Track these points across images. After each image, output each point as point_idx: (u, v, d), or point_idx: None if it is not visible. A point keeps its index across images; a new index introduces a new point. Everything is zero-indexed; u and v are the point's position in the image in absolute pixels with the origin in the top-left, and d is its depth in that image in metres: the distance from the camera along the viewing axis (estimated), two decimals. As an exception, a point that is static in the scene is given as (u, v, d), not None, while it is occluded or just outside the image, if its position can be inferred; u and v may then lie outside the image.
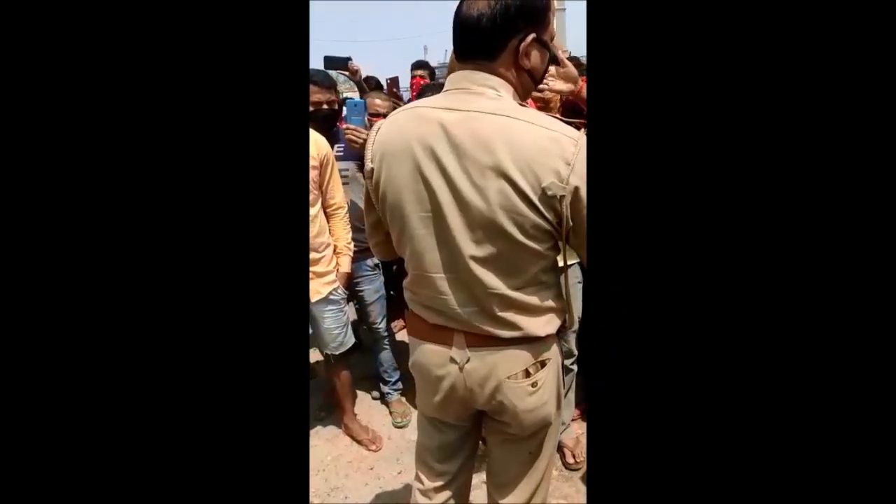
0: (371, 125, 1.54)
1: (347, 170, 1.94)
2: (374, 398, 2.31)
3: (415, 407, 1.71)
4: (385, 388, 2.21)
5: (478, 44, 0.82)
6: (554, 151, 0.78)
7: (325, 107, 1.83)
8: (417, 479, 1.12)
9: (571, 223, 0.82)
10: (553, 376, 0.96)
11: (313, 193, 1.71)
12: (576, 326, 1.71)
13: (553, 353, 0.95)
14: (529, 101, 1.18)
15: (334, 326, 1.84)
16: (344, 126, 1.72)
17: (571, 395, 1.85)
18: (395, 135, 0.87)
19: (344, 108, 1.76)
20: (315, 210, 1.73)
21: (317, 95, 1.80)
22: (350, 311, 2.05)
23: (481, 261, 0.84)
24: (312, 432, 2.10)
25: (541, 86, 1.06)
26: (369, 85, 3.05)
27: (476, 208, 0.81)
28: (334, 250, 1.83)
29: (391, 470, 1.88)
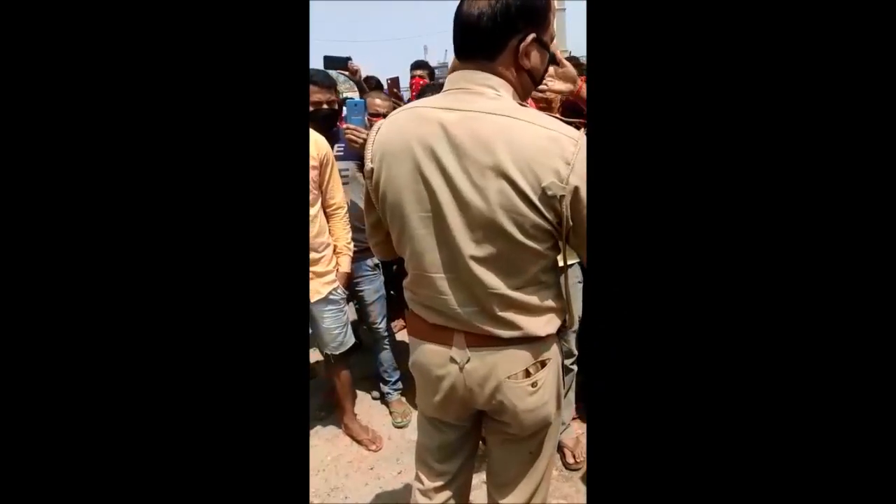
0: (371, 125, 1.54)
1: (347, 170, 1.94)
2: (374, 398, 2.31)
3: (415, 407, 1.71)
4: (385, 388, 2.21)
5: (478, 43, 0.82)
6: (554, 151, 0.78)
7: (325, 107, 1.83)
8: (417, 478, 1.12)
9: (571, 223, 0.82)
10: (553, 376, 0.96)
11: (313, 193, 1.71)
12: (576, 326, 1.71)
13: (553, 353, 0.95)
14: (530, 101, 1.18)
15: (334, 326, 1.84)
16: (344, 126, 1.72)
17: (571, 394, 1.85)
18: (395, 135, 0.87)
19: (344, 108, 1.76)
20: (315, 210, 1.73)
21: (317, 95, 1.80)
22: (350, 311, 2.05)
23: (481, 261, 0.84)
24: (312, 432, 2.10)
25: (541, 86, 1.06)
26: (369, 85, 3.05)
27: (476, 208, 0.81)
28: (334, 250, 1.83)
29: (391, 470, 1.88)
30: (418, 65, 3.56)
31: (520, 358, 0.91)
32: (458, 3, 0.84)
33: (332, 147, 1.84)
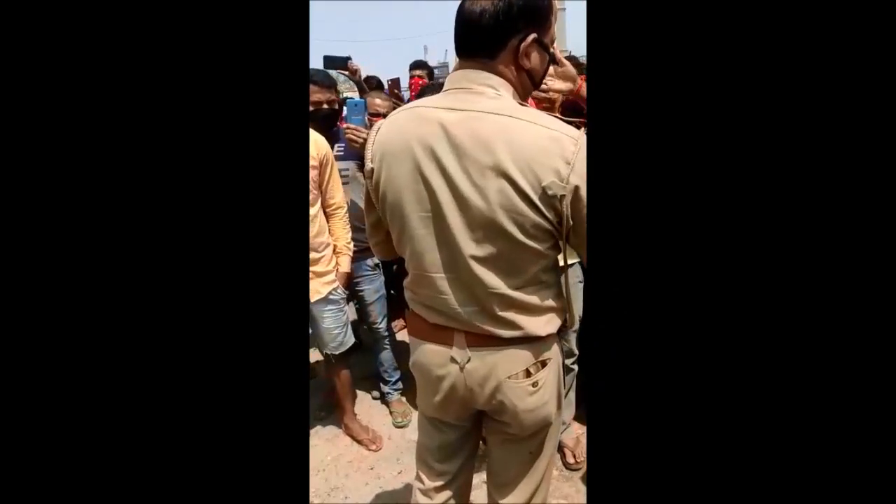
0: (371, 125, 1.54)
1: (347, 169, 1.94)
2: (374, 398, 2.31)
3: (415, 407, 1.71)
4: (385, 388, 2.21)
5: (479, 41, 0.82)
6: (554, 151, 0.78)
7: (325, 106, 1.83)
8: (418, 478, 1.12)
9: (571, 222, 0.82)
10: (554, 376, 0.96)
11: (313, 193, 1.71)
12: (576, 326, 1.71)
13: (554, 353, 0.95)
14: (532, 101, 1.18)
15: (334, 326, 1.84)
16: (344, 126, 1.72)
17: (572, 394, 1.85)
18: (395, 135, 0.87)
19: (344, 108, 1.76)
20: (315, 210, 1.73)
21: (317, 95, 1.80)
22: (350, 311, 2.05)
23: (481, 260, 0.84)
24: (312, 432, 2.10)
25: (542, 86, 1.06)
26: (370, 85, 3.05)
27: (476, 208, 0.81)
28: (334, 250, 1.83)
29: (391, 470, 1.88)
30: (417, 65, 3.56)
31: (520, 358, 0.91)
32: (458, 2, 0.85)
33: (332, 147, 1.84)
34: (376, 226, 1.01)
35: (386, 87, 3.32)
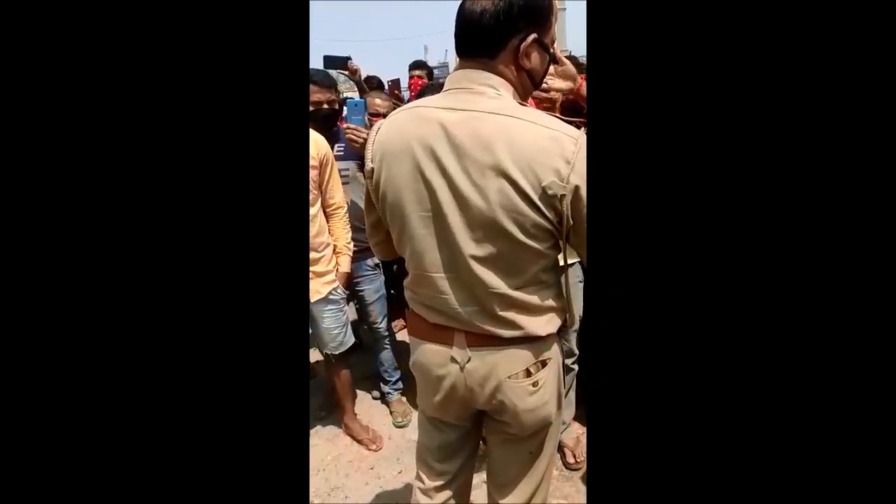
0: (371, 125, 1.54)
1: (347, 169, 1.94)
2: (374, 398, 2.31)
3: (415, 406, 1.71)
4: (385, 388, 2.21)
5: (479, 41, 0.83)
6: (554, 150, 0.78)
7: (325, 106, 1.83)
8: (418, 478, 1.12)
9: (572, 222, 0.82)
10: (554, 376, 0.96)
11: (313, 193, 1.71)
12: (577, 326, 1.71)
13: (554, 353, 0.95)
14: (532, 101, 1.18)
15: (334, 326, 1.84)
16: (344, 125, 1.72)
17: (572, 394, 1.85)
18: (396, 135, 0.87)
19: (344, 108, 1.76)
20: (314, 210, 1.73)
21: (317, 95, 1.80)
22: (350, 311, 2.05)
23: (482, 260, 0.84)
24: (313, 432, 2.10)
25: (542, 85, 1.06)
26: (370, 85, 3.05)
27: (476, 208, 0.81)
28: (334, 250, 1.83)
29: (391, 469, 1.88)
30: (416, 65, 3.56)
31: (520, 357, 0.91)
32: (458, 2, 0.85)
33: (333, 147, 1.84)
34: (376, 226, 1.01)
35: (386, 87, 3.32)
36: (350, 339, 1.92)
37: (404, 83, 3.60)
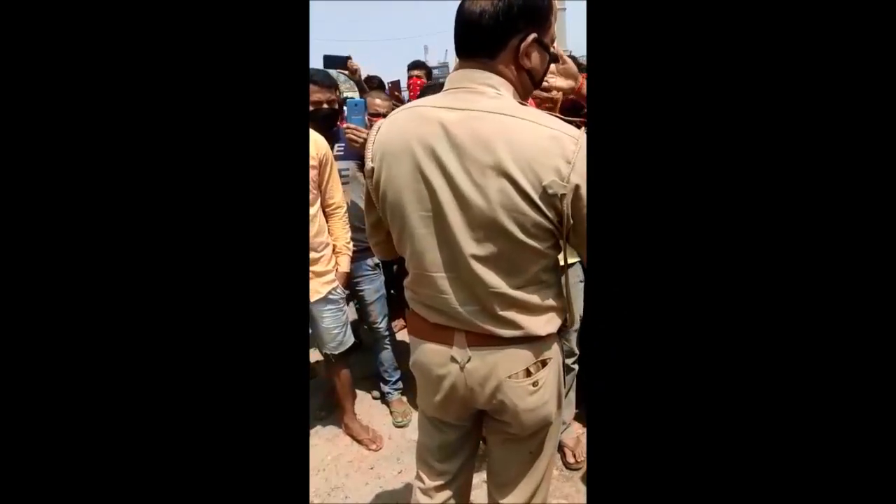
0: (371, 125, 1.54)
1: (348, 169, 1.94)
2: (374, 398, 2.31)
3: (415, 406, 1.71)
4: (385, 388, 2.21)
5: (479, 41, 0.83)
6: (554, 150, 0.78)
7: (325, 106, 1.83)
8: (418, 478, 1.12)
9: (572, 221, 0.82)
10: (554, 376, 0.96)
11: (312, 193, 1.71)
12: (577, 326, 1.71)
13: (554, 353, 0.95)
14: (532, 101, 1.18)
15: (333, 326, 1.84)
16: (344, 125, 1.72)
17: (572, 394, 1.85)
18: (396, 134, 0.87)
19: (344, 108, 1.76)
20: (314, 209, 1.73)
21: (317, 95, 1.80)
22: (350, 311, 2.05)
23: (482, 260, 0.84)
24: (313, 432, 2.10)
25: (545, 84, 1.06)
26: (370, 85, 3.05)
27: (477, 207, 0.81)
28: (333, 250, 1.83)
29: (391, 469, 1.88)
30: (416, 65, 3.56)
31: (521, 357, 0.91)
32: (458, 2, 0.85)
33: (333, 147, 1.84)
34: (376, 225, 1.01)
35: (387, 89, 3.32)
36: (350, 339, 1.92)
37: (403, 83, 3.60)
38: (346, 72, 2.66)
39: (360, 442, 2.01)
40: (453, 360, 0.92)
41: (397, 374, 2.20)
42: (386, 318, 2.16)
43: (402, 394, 2.22)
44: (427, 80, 3.24)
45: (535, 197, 0.79)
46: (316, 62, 2.51)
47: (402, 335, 2.45)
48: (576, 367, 1.78)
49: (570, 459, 1.82)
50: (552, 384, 0.96)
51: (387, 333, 2.17)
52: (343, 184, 1.88)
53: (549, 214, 0.81)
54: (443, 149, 0.81)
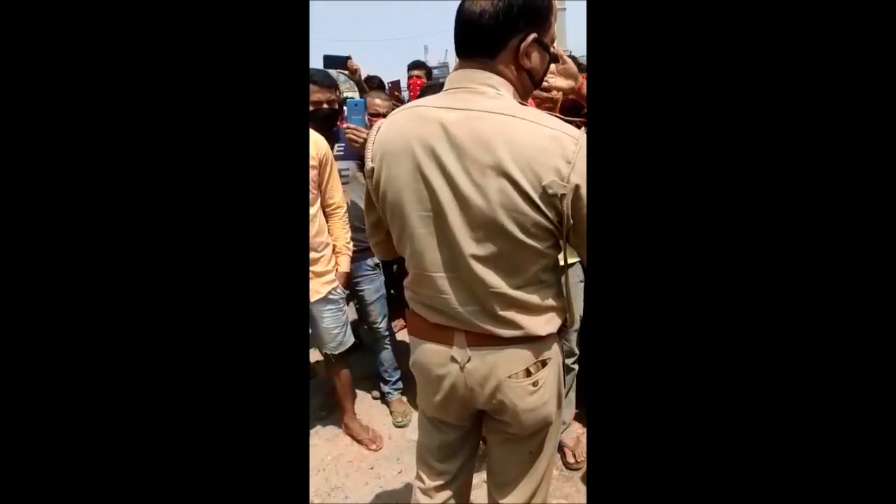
0: (371, 125, 1.54)
1: (348, 169, 1.94)
2: (374, 398, 2.31)
3: (415, 406, 1.71)
4: (385, 388, 2.21)
5: (479, 41, 0.83)
6: (554, 150, 0.78)
7: (325, 106, 1.83)
8: (418, 478, 1.12)
9: (572, 221, 0.82)
10: (554, 376, 0.96)
11: (312, 193, 1.71)
12: (577, 326, 1.71)
13: (554, 353, 0.95)
14: (532, 101, 1.18)
15: (333, 326, 1.84)
16: (344, 125, 1.72)
17: (572, 394, 1.85)
18: (396, 134, 0.87)
19: (344, 108, 1.76)
20: (314, 209, 1.73)
21: (317, 95, 1.80)
22: (350, 311, 2.05)
23: (482, 259, 0.84)
24: (313, 432, 2.10)
25: (545, 84, 1.06)
26: (370, 85, 3.05)
27: (477, 207, 0.81)
28: (333, 250, 1.83)
29: (391, 469, 1.88)
30: (415, 65, 3.56)
31: (520, 357, 0.91)
32: (458, 2, 0.85)
33: (333, 147, 1.84)
34: (376, 225, 1.01)
35: (387, 89, 3.32)
36: (349, 339, 1.92)
37: (403, 83, 3.60)
38: (346, 72, 2.66)
39: (360, 442, 2.01)
40: (453, 360, 0.92)
41: (397, 374, 2.20)
42: (386, 318, 2.16)
43: (402, 394, 2.22)
44: (427, 80, 3.24)
45: (535, 197, 0.79)
46: (316, 62, 2.51)
47: (402, 335, 2.45)
48: (576, 367, 1.78)
49: (570, 459, 1.82)
50: (552, 384, 0.96)
51: (387, 333, 2.17)
52: (343, 184, 1.88)
53: (549, 214, 0.81)
54: (443, 149, 0.81)
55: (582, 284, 1.65)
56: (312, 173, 1.69)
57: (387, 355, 2.18)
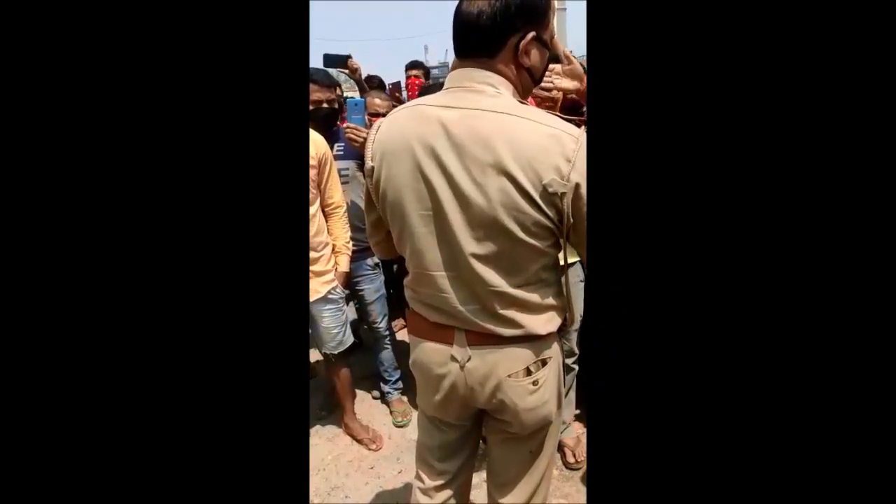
0: (371, 124, 1.54)
1: (347, 169, 1.94)
2: (374, 397, 2.32)
3: (415, 406, 1.71)
4: (385, 388, 2.21)
5: (477, 41, 0.82)
6: (554, 148, 0.78)
7: (325, 106, 1.83)
8: (418, 477, 1.12)
9: (572, 220, 0.82)
10: (554, 375, 0.96)
11: (312, 192, 1.71)
12: (577, 325, 1.71)
13: (554, 352, 0.95)
14: (532, 100, 1.18)
15: (333, 326, 1.84)
16: (344, 125, 1.73)
17: (572, 394, 1.85)
18: (396, 133, 0.87)
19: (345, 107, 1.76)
20: (313, 209, 1.73)
21: (317, 94, 1.80)
22: (350, 311, 2.05)
23: (482, 258, 0.84)
24: (313, 431, 2.10)
25: (547, 84, 1.06)
26: (371, 84, 3.04)
27: (477, 206, 0.81)
28: (333, 249, 1.83)
29: (391, 469, 1.88)
30: (413, 65, 3.56)
31: (521, 356, 0.91)
32: (457, 2, 0.84)
33: (332, 146, 1.84)
34: (376, 225, 1.01)
35: (387, 89, 3.32)
36: (349, 339, 1.92)
37: (403, 84, 3.60)
38: (347, 71, 2.65)
39: (360, 442, 2.01)
40: (453, 359, 0.92)
41: (397, 374, 2.20)
42: (386, 318, 2.16)
43: (402, 393, 2.22)
44: (425, 80, 3.24)
45: (536, 195, 0.79)
46: (316, 62, 2.51)
47: (402, 335, 2.45)
48: (576, 367, 1.78)
49: (570, 459, 1.82)
50: (552, 383, 0.96)
51: (387, 333, 2.17)
52: (343, 183, 1.88)
53: (550, 213, 0.80)
54: (443, 147, 0.81)
55: (582, 284, 1.65)
56: (312, 173, 1.69)
57: (387, 355, 2.18)
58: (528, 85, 0.89)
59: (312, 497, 1.76)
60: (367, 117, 1.76)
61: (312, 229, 1.71)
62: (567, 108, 1.43)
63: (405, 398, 2.21)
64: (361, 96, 2.17)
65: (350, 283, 1.98)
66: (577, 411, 1.97)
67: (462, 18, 0.82)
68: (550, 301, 0.90)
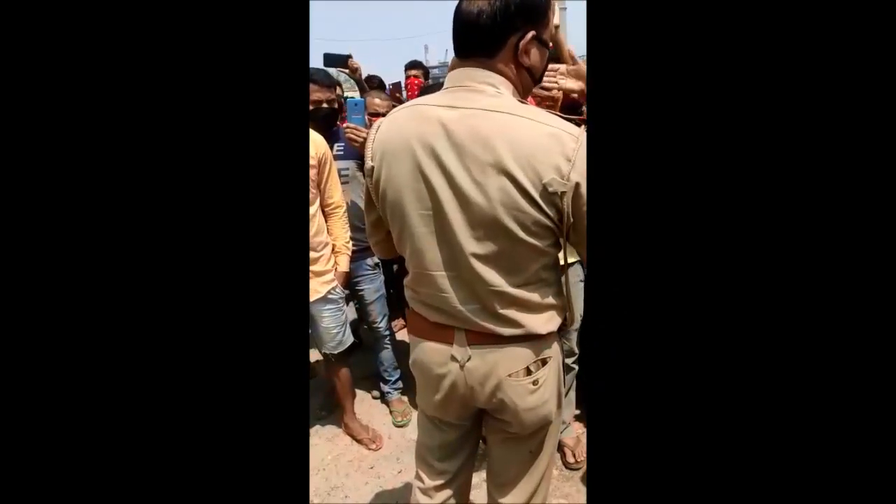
0: (371, 124, 1.54)
1: (347, 169, 1.94)
2: (374, 397, 2.32)
3: (415, 406, 1.71)
4: (385, 388, 2.21)
5: (477, 41, 0.82)
6: (554, 148, 0.78)
7: (325, 106, 1.83)
8: (418, 477, 1.12)
9: (572, 220, 0.82)
10: (554, 375, 0.96)
11: (311, 192, 1.71)
12: (577, 325, 1.71)
13: (554, 352, 0.95)
14: (532, 100, 1.18)
15: (333, 326, 1.84)
16: (344, 125, 1.73)
17: (572, 394, 1.85)
18: (396, 133, 0.87)
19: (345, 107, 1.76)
20: (313, 209, 1.73)
21: (317, 94, 1.80)
22: (350, 311, 2.05)
23: (482, 258, 0.84)
24: (313, 431, 2.10)
25: (551, 84, 1.06)
26: (371, 84, 3.04)
27: (477, 205, 0.81)
28: (332, 249, 1.83)
29: (391, 469, 1.88)
30: (412, 65, 3.57)
31: (521, 356, 0.91)
32: (457, 2, 0.84)
33: (332, 146, 1.84)
34: (376, 224, 1.01)
35: (387, 89, 3.32)
36: (349, 339, 1.92)
37: (402, 84, 3.60)
38: (347, 70, 2.65)
39: (360, 441, 2.01)
40: (453, 358, 0.92)
41: (397, 374, 2.20)
42: (386, 318, 2.16)
43: (402, 393, 2.22)
44: (424, 80, 3.24)
45: (536, 195, 0.79)
46: (316, 61, 2.51)
47: (402, 335, 2.45)
48: (576, 366, 1.78)
49: (570, 459, 1.82)
50: (552, 383, 0.96)
51: (387, 333, 2.17)
52: (343, 183, 1.88)
53: (550, 212, 0.80)
54: (442, 147, 0.81)
55: (582, 284, 1.65)
56: (312, 173, 1.69)
57: (387, 355, 2.18)
58: (528, 84, 0.89)
59: (312, 497, 1.76)
60: (367, 117, 1.76)
61: (312, 229, 1.71)
62: (567, 107, 1.43)
63: (405, 398, 2.21)
64: (361, 96, 2.17)
65: (350, 283, 1.98)
66: (577, 411, 1.97)
67: (462, 18, 0.82)
68: (550, 301, 0.90)
